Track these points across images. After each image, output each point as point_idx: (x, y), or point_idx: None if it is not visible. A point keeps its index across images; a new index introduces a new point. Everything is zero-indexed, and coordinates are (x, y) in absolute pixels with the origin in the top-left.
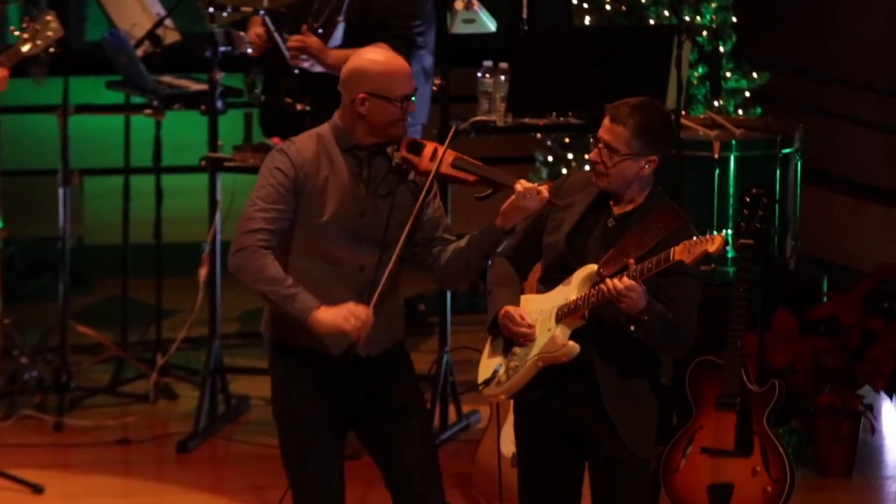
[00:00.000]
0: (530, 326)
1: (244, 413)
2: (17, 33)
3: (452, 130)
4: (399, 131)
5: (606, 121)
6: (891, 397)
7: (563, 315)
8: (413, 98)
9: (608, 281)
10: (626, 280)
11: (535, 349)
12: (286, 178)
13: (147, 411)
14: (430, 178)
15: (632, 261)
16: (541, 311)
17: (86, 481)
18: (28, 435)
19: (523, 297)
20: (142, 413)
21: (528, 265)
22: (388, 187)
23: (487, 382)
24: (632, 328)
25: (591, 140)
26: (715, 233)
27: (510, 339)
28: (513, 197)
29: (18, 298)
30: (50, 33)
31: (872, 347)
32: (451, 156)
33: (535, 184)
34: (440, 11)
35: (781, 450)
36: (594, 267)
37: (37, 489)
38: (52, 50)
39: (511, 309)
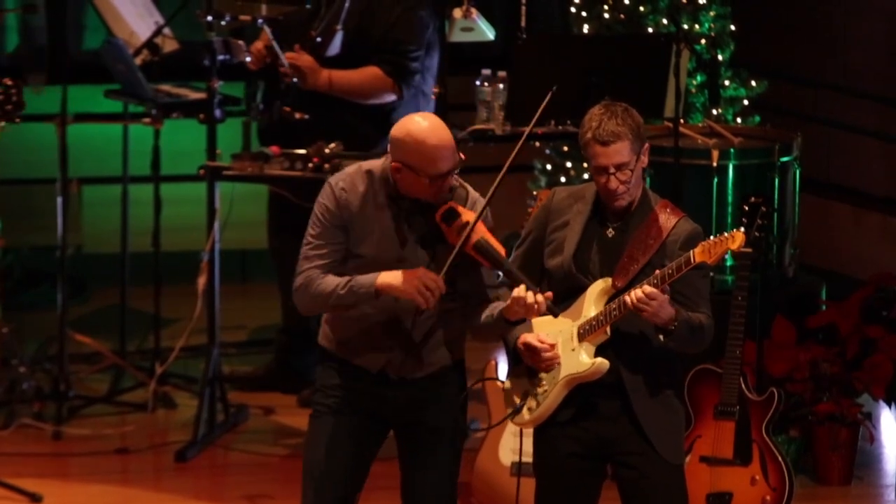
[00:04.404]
0: (552, 347)
1: (243, 422)
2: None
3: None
4: (435, 199)
5: (600, 148)
6: (889, 405)
7: (586, 333)
8: (454, 173)
9: (631, 293)
10: (647, 288)
11: (563, 371)
12: (332, 216)
13: (145, 420)
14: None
15: (657, 271)
16: (560, 332)
17: (84, 490)
18: (26, 444)
19: (536, 321)
20: (140, 422)
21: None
22: (428, 242)
23: (518, 411)
24: (661, 338)
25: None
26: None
27: (533, 366)
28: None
29: (17, 307)
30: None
31: (871, 356)
32: (476, 236)
33: (535, 296)
34: (443, 34)
35: (780, 458)
36: (609, 280)
37: (35, 498)
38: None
39: (528, 337)
